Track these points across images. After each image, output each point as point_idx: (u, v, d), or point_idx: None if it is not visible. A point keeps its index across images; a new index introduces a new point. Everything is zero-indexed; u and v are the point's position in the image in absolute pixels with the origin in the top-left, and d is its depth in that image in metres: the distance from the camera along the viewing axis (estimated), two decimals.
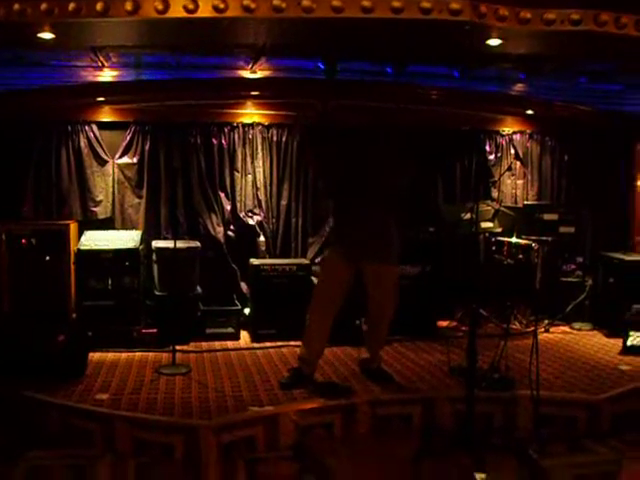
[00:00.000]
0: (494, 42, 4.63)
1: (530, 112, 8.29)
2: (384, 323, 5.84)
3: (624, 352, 6.84)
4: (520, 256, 7.65)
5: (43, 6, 4.02)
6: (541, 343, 5.98)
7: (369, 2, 3.83)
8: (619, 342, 6.99)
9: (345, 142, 5.72)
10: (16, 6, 4.05)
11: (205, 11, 3.86)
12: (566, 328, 7.91)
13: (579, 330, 7.86)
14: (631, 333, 6.87)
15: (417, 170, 7.61)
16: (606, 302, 7.81)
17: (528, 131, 8.90)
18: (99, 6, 3.89)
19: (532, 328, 7.03)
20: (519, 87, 7.34)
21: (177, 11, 3.88)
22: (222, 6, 3.84)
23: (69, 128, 7.62)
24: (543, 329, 7.69)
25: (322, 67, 6.31)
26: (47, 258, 6.96)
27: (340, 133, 5.78)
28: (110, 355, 6.53)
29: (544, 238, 7.83)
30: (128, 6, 3.87)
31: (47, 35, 4.50)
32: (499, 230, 7.92)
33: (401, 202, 5.60)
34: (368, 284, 5.70)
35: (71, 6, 3.98)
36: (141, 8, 3.90)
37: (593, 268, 8.24)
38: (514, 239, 7.77)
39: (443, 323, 7.69)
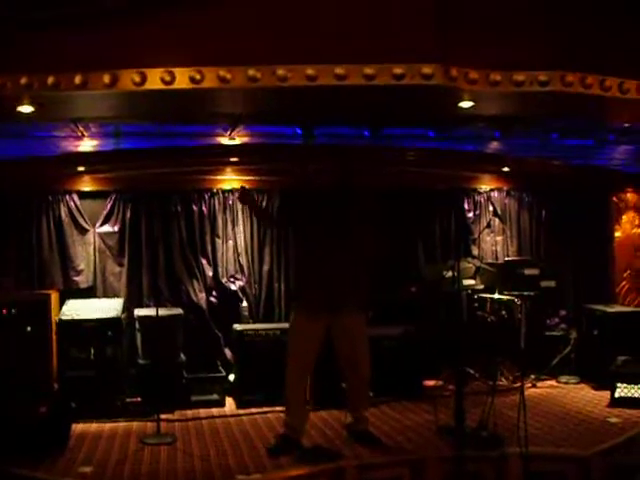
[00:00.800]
0: (466, 104, 4.74)
1: (506, 169, 8.42)
2: (363, 380, 5.81)
3: (612, 404, 6.84)
4: (503, 312, 7.67)
5: (23, 80, 4.07)
6: (528, 398, 5.96)
7: (342, 70, 3.92)
8: (607, 394, 6.99)
9: (314, 201, 5.79)
10: None
11: (182, 82, 3.93)
12: (553, 382, 7.90)
13: (566, 384, 7.85)
14: (618, 385, 6.87)
15: (395, 231, 7.73)
16: (591, 354, 7.84)
17: (505, 188, 9.03)
18: (77, 79, 3.95)
19: (519, 384, 7.08)
20: (494, 145, 7.47)
21: (154, 83, 3.95)
22: (198, 77, 3.91)
23: (50, 198, 7.65)
24: (530, 384, 7.68)
25: (300, 132, 6.40)
26: (28, 328, 6.87)
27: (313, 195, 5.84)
28: (93, 426, 6.42)
29: (526, 293, 7.86)
30: (106, 79, 3.93)
31: (27, 108, 4.55)
32: (481, 287, 7.97)
33: (377, 263, 5.65)
34: (338, 341, 5.69)
35: (50, 80, 4.04)
36: (119, 81, 3.96)
37: (577, 321, 8.28)
38: (496, 295, 7.81)
39: (429, 383, 7.64)
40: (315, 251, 5.66)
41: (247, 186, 6.35)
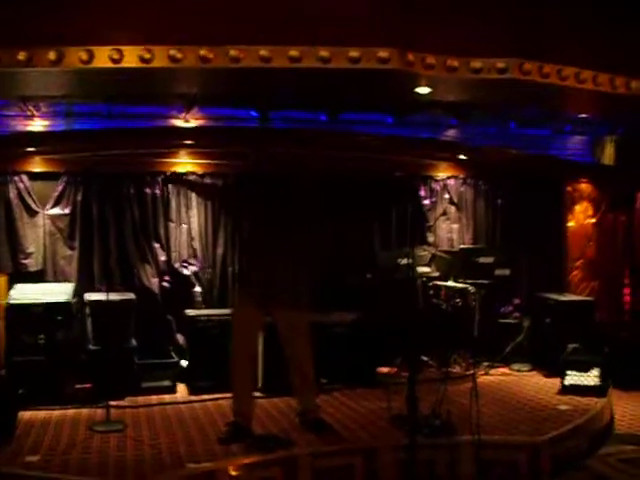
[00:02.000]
0: (423, 90, 4.69)
1: (462, 157, 8.43)
2: (305, 376, 5.74)
3: (562, 392, 6.92)
4: (457, 300, 7.70)
5: None
6: (481, 386, 5.98)
7: (297, 52, 3.85)
8: (557, 382, 7.08)
9: (263, 185, 5.71)
10: None
11: (131, 61, 3.81)
12: (506, 370, 7.97)
13: (518, 371, 7.93)
14: (568, 372, 6.96)
15: (350, 217, 7.66)
16: (543, 342, 7.93)
17: (461, 176, 9.04)
18: (21, 55, 3.82)
19: (472, 371, 7.11)
20: (451, 133, 7.48)
21: (102, 61, 3.83)
22: (148, 56, 3.80)
23: None
24: (483, 372, 7.72)
25: (255, 115, 6.31)
26: None
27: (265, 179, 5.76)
28: (42, 413, 6.28)
29: (480, 281, 7.90)
30: (51, 56, 3.80)
31: None
32: (436, 274, 7.97)
33: (327, 249, 5.60)
34: (280, 330, 5.66)
35: None
36: (65, 58, 3.83)
37: (530, 309, 8.36)
38: (451, 283, 7.83)
39: (383, 370, 7.64)
40: (258, 237, 5.61)
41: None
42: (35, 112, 6.26)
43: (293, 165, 5.55)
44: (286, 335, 5.65)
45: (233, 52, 3.82)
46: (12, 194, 7.47)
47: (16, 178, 7.49)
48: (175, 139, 7.08)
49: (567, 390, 6.90)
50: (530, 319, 8.19)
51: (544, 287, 8.49)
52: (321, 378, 6.51)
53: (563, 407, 6.43)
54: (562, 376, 6.99)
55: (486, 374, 7.74)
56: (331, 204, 5.82)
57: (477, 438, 4.93)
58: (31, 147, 7.17)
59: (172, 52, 3.80)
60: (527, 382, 7.47)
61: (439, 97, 5.10)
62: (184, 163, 7.88)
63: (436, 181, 8.93)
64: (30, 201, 7.53)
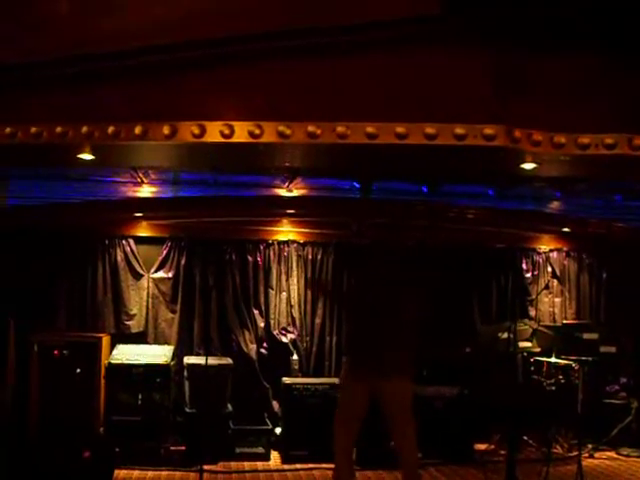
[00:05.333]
0: (528, 166, 4.63)
1: (566, 230, 8.24)
2: (408, 444, 5.61)
3: None
4: (560, 377, 7.45)
5: (84, 129, 4.12)
6: (586, 470, 5.70)
7: (403, 129, 3.87)
8: None
9: (363, 258, 5.73)
10: (58, 129, 4.16)
11: (241, 136, 3.91)
12: (612, 453, 7.57)
13: (627, 456, 7.50)
14: None
15: (452, 289, 7.56)
16: None
17: (565, 249, 8.85)
18: (137, 130, 3.98)
19: (575, 453, 6.79)
20: (555, 205, 7.31)
21: (213, 136, 3.94)
22: (257, 132, 3.90)
23: (106, 241, 7.76)
24: (587, 454, 7.37)
25: (357, 186, 6.37)
26: (78, 370, 6.93)
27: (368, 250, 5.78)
28: (136, 473, 6.40)
29: (584, 358, 7.60)
30: (165, 130, 3.95)
31: (87, 156, 4.61)
32: (537, 350, 7.75)
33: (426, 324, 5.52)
34: (383, 403, 5.56)
35: (110, 129, 4.07)
36: (178, 132, 3.97)
37: (638, 389, 7.96)
38: (553, 359, 7.58)
39: (480, 446, 7.39)
40: (364, 312, 5.58)
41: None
42: (144, 179, 6.49)
43: (392, 237, 5.54)
44: (393, 409, 5.55)
45: (340, 129, 3.88)
46: (119, 257, 7.77)
47: (123, 242, 7.81)
48: (278, 208, 7.19)
49: None
50: (638, 400, 7.78)
51: None
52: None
53: None
54: None
55: (591, 457, 7.38)
56: (429, 276, 5.77)
57: None
58: (139, 212, 7.42)
59: (281, 128, 3.88)
60: (638, 469, 7.05)
61: (543, 173, 5.02)
62: (286, 232, 8.03)
63: (538, 254, 8.76)
64: (136, 264, 7.80)
